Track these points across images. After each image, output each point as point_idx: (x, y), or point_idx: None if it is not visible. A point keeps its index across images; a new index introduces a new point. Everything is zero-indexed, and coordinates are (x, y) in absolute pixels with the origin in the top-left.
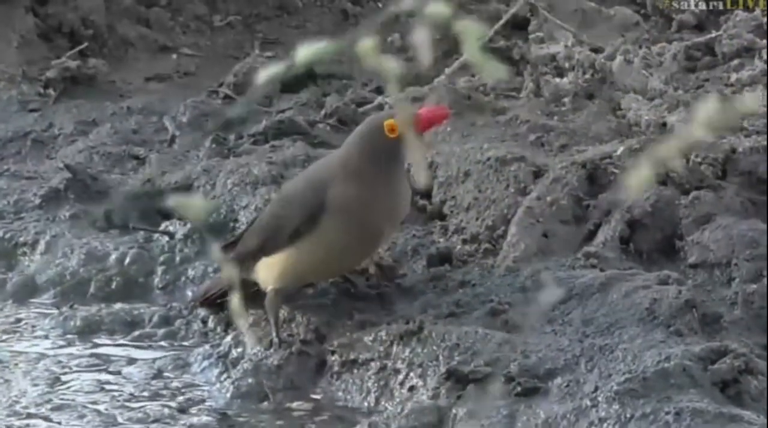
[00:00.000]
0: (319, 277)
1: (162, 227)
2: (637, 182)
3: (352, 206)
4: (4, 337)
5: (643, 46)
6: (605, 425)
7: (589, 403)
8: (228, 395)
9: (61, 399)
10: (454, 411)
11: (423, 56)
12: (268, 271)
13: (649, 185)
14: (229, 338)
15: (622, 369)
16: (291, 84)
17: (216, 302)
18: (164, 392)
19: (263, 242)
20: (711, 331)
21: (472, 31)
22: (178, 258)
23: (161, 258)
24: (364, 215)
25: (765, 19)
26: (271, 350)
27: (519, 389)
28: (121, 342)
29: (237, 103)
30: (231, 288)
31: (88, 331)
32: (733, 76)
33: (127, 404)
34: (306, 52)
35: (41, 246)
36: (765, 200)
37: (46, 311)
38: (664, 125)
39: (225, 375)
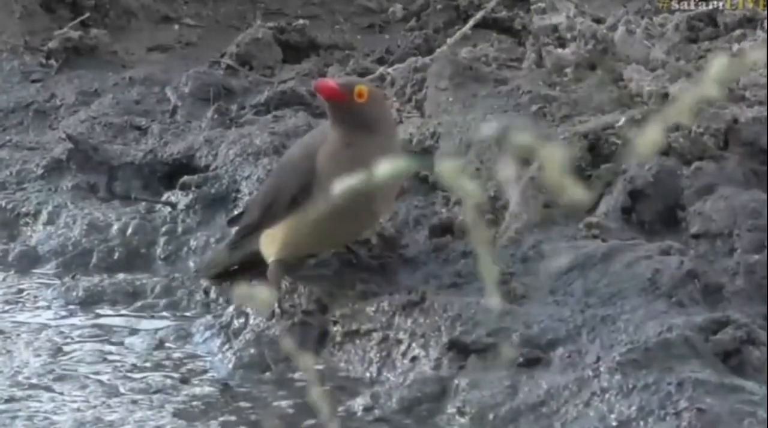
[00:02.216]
0: (318, 247)
1: (164, 197)
2: (646, 146)
3: (330, 166)
4: (6, 308)
5: (645, 16)
6: (607, 395)
7: (591, 374)
8: (230, 365)
9: (63, 370)
10: (456, 381)
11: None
12: (269, 242)
13: (656, 151)
14: (231, 308)
15: (624, 340)
16: (293, 54)
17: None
18: (166, 362)
19: (263, 213)
20: (713, 301)
21: (555, 156)
22: (180, 229)
23: (163, 229)
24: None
25: None
26: (273, 320)
27: (521, 359)
28: (123, 312)
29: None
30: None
31: (90, 302)
32: (735, 47)
33: (129, 374)
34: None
35: (43, 217)
36: (766, 171)
37: (48, 281)
38: (666, 95)
39: (227, 346)
